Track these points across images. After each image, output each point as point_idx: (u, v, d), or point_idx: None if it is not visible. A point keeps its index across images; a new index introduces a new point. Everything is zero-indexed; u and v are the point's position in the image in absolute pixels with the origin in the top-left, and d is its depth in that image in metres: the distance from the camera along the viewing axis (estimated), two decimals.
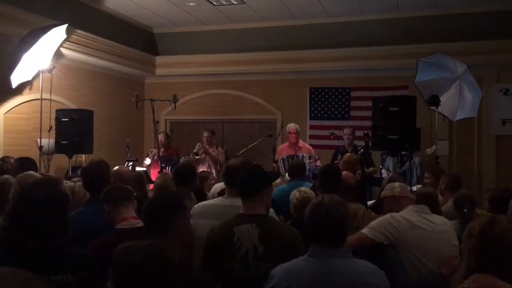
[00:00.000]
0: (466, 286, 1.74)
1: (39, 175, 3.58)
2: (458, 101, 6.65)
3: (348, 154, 5.41)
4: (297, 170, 5.00)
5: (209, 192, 4.87)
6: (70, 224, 2.25)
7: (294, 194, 3.94)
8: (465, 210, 3.70)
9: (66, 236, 2.16)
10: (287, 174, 5.54)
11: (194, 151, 7.47)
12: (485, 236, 1.80)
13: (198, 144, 7.55)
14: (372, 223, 3.03)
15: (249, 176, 2.71)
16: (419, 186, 5.08)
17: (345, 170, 4.73)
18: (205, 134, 7.67)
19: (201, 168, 7.33)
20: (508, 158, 8.12)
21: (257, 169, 2.86)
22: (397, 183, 3.46)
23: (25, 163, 4.35)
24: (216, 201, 3.23)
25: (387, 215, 3.10)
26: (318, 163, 6.53)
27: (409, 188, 3.68)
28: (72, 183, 4.10)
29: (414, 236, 2.97)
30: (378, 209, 3.58)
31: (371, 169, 6.61)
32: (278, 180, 5.49)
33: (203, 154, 7.49)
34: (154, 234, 2.26)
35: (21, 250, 2.02)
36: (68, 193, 2.36)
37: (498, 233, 1.79)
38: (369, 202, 4.59)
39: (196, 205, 3.19)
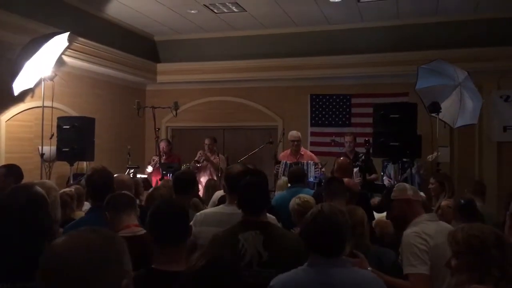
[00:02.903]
0: None
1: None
2: (458, 108, 6.66)
3: (341, 158, 5.22)
4: (297, 177, 4.99)
5: None
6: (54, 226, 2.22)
7: (295, 201, 3.92)
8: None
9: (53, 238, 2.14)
10: (283, 178, 5.55)
11: (196, 158, 7.47)
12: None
13: (200, 152, 7.55)
14: (413, 257, 2.78)
15: (258, 193, 2.70)
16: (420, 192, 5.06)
17: (339, 175, 4.57)
18: (207, 141, 7.68)
19: (203, 176, 7.34)
20: (509, 165, 8.10)
21: (263, 184, 2.81)
22: (407, 185, 3.36)
23: (13, 169, 4.42)
24: (218, 209, 3.22)
25: (411, 239, 2.84)
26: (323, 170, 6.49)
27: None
28: (72, 189, 4.15)
29: (439, 249, 2.77)
30: (384, 209, 3.44)
31: (373, 176, 6.60)
32: (280, 182, 5.50)
33: (204, 162, 7.50)
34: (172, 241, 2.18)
35: (13, 257, 2.00)
36: (44, 195, 2.32)
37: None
38: None
39: (198, 213, 3.20)
